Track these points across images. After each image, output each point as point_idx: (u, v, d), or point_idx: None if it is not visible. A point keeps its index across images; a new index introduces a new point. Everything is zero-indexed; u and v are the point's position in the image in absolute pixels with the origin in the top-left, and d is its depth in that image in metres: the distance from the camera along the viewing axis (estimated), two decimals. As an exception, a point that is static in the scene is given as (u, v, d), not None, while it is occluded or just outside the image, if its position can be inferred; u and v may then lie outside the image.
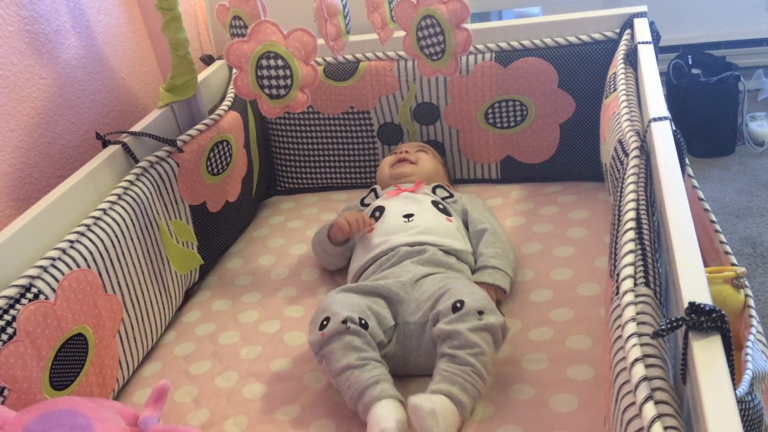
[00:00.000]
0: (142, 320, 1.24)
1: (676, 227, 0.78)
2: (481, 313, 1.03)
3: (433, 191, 1.42)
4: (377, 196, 1.45)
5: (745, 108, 2.07)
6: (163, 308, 1.32)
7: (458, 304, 1.04)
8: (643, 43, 1.32)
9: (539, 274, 1.30)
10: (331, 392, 1.11)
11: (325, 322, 1.07)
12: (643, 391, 0.62)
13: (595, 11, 1.53)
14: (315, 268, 1.45)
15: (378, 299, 1.15)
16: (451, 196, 1.43)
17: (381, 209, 1.37)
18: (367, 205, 1.43)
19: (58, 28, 1.35)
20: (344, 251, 1.38)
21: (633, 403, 0.63)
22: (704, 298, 0.66)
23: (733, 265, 1.07)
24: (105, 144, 1.30)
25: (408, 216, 1.32)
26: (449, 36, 1.26)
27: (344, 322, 1.05)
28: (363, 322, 1.07)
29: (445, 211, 1.35)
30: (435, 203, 1.36)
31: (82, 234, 1.12)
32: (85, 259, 1.10)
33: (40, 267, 1.03)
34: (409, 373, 1.12)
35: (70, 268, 1.07)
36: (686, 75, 2.07)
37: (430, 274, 1.19)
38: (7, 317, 0.95)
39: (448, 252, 1.26)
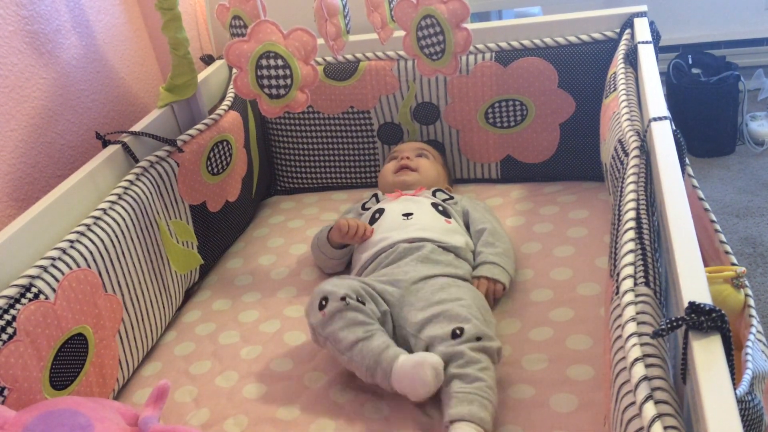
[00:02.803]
0: (142, 320, 1.24)
1: (676, 227, 0.78)
2: (479, 339, 1.04)
3: (433, 194, 1.43)
4: (378, 201, 1.46)
5: (745, 108, 2.07)
6: (163, 308, 1.32)
7: (458, 331, 1.05)
8: (643, 42, 1.32)
9: (539, 274, 1.30)
10: (332, 392, 1.11)
11: (323, 302, 1.09)
12: (643, 391, 0.62)
13: (595, 11, 1.53)
14: (315, 268, 1.45)
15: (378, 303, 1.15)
16: (452, 198, 1.43)
17: (381, 210, 1.38)
18: (368, 209, 1.44)
19: (58, 28, 1.35)
20: (343, 255, 1.38)
21: (633, 403, 0.63)
22: (704, 297, 0.66)
23: (733, 264, 1.07)
24: (105, 144, 1.30)
25: (407, 215, 1.33)
26: (449, 36, 1.26)
27: (343, 298, 1.07)
28: (360, 300, 1.09)
29: (445, 213, 1.36)
30: (435, 205, 1.37)
31: (82, 234, 1.12)
32: (85, 259, 1.10)
33: (40, 267, 1.03)
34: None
35: (70, 268, 1.07)
36: (686, 75, 2.07)
37: (428, 276, 1.19)
38: (7, 317, 0.95)
39: (446, 249, 1.26)
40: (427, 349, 1.07)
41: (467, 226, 1.38)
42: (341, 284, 1.12)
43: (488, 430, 0.96)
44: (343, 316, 1.07)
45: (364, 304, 1.09)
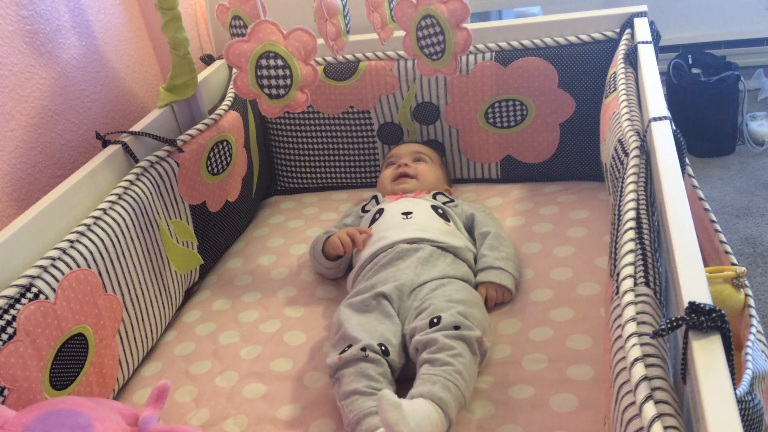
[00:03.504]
0: (142, 320, 1.24)
1: (676, 227, 0.78)
2: (457, 327, 1.04)
3: (434, 197, 1.43)
4: (378, 203, 1.46)
5: (745, 107, 2.07)
6: (163, 308, 1.32)
7: (435, 320, 1.05)
8: (643, 42, 1.32)
9: (539, 274, 1.30)
10: (332, 392, 1.11)
11: (346, 348, 1.07)
12: (643, 391, 0.62)
13: (595, 11, 1.53)
14: (315, 268, 1.45)
15: (384, 302, 1.16)
16: (452, 200, 1.44)
17: (381, 211, 1.38)
18: (368, 211, 1.44)
19: (58, 28, 1.35)
20: (339, 265, 1.38)
21: (633, 403, 0.63)
22: (704, 297, 0.66)
23: (733, 264, 1.07)
24: (105, 144, 1.30)
25: (406, 214, 1.33)
26: (449, 36, 1.26)
27: (363, 349, 1.04)
28: (384, 348, 1.06)
29: (444, 216, 1.35)
30: (434, 208, 1.37)
31: (82, 234, 1.12)
32: (85, 259, 1.10)
33: (40, 267, 1.03)
34: (409, 376, 1.12)
35: (71, 268, 1.07)
36: (686, 74, 2.07)
37: (426, 281, 1.19)
38: (7, 317, 0.95)
39: (445, 249, 1.26)
40: (410, 339, 1.07)
41: (469, 230, 1.38)
42: (366, 331, 1.09)
43: (447, 411, 0.94)
44: (356, 365, 1.04)
45: (388, 352, 1.06)
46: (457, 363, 0.99)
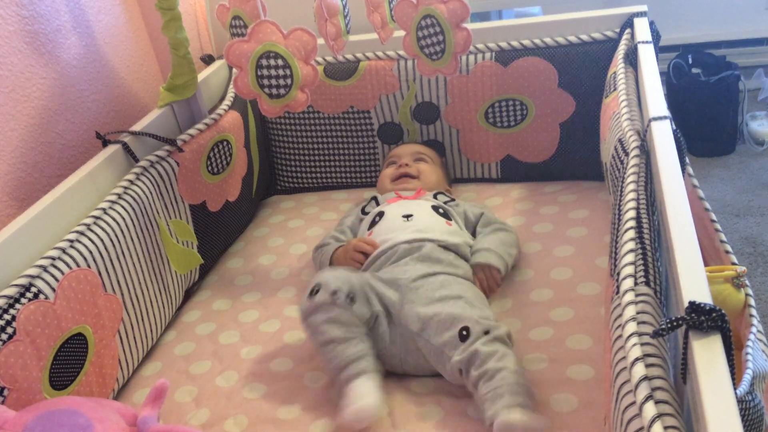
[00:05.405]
0: (142, 320, 1.24)
1: (676, 226, 0.78)
2: (487, 333, 1.04)
3: (434, 197, 1.43)
4: (378, 204, 1.45)
5: (746, 107, 2.07)
6: (163, 308, 1.32)
7: (464, 332, 1.05)
8: (643, 42, 1.32)
9: (539, 274, 1.30)
10: (332, 392, 1.11)
11: (316, 290, 1.10)
12: (643, 391, 0.62)
13: (595, 11, 1.53)
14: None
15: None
16: (453, 200, 1.44)
17: (381, 214, 1.37)
18: (368, 212, 1.43)
19: (58, 28, 1.35)
20: None
21: (633, 403, 0.63)
22: (704, 297, 0.66)
23: (734, 264, 1.07)
24: (105, 144, 1.30)
25: (407, 216, 1.33)
26: (449, 36, 1.26)
27: (334, 293, 1.08)
28: (351, 297, 1.10)
29: (445, 215, 1.35)
30: (435, 208, 1.37)
31: (82, 233, 1.12)
32: (85, 259, 1.10)
33: (40, 266, 1.03)
34: (408, 372, 1.12)
35: (70, 268, 1.07)
36: (686, 74, 2.07)
37: (428, 274, 1.19)
38: (6, 317, 0.95)
39: (446, 247, 1.26)
40: (441, 354, 1.06)
41: (472, 230, 1.38)
42: (338, 277, 1.12)
43: (530, 405, 0.96)
44: (327, 310, 1.08)
45: (354, 302, 1.10)
46: (506, 363, 1.00)
